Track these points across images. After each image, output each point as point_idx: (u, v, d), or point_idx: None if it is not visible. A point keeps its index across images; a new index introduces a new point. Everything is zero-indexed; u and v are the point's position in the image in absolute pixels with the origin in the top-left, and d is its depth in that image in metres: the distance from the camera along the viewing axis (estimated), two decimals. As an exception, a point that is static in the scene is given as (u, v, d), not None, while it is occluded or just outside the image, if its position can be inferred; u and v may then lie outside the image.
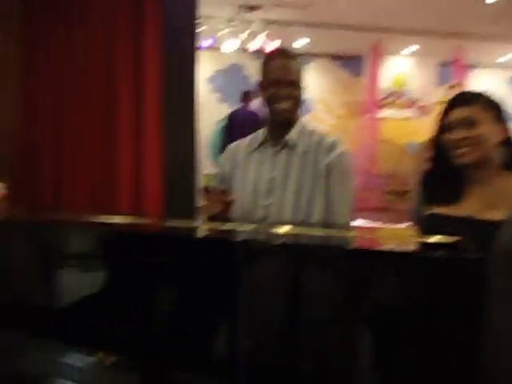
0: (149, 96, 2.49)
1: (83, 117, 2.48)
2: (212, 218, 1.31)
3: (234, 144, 1.58)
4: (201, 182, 3.03)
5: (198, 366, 0.91)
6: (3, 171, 2.28)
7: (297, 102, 1.41)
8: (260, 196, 1.42)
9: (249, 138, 1.54)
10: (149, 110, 2.48)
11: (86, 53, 2.55)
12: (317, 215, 1.37)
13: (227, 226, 1.17)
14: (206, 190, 1.33)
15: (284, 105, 1.38)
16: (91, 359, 1.00)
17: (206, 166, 4.17)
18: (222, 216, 1.28)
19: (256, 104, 4.97)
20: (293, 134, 1.43)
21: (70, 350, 1.04)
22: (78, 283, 1.10)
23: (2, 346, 1.16)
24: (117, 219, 1.21)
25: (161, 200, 2.61)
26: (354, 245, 1.01)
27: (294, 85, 1.39)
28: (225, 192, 1.33)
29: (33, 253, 1.21)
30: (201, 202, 1.35)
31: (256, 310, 0.87)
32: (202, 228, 1.27)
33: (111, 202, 2.40)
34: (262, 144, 1.47)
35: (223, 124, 5.82)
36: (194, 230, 1.18)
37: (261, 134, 1.49)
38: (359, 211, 2.34)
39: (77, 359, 1.01)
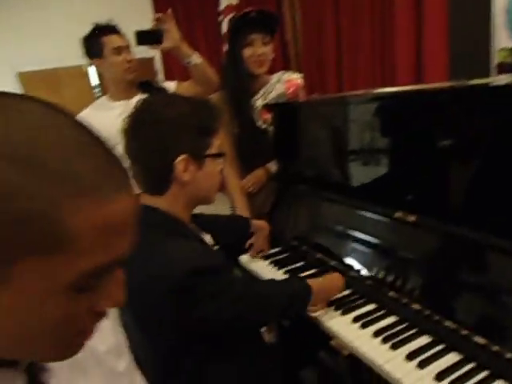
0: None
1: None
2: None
3: None
4: (495, 58, 2.53)
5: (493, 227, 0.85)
6: (297, 68, 2.64)
7: None
8: None
9: None
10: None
11: None
12: None
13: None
14: None
15: None
16: (393, 216, 1.08)
17: (502, 38, 3.41)
18: None
19: None
20: None
21: (375, 208, 1.14)
22: (374, 150, 1.18)
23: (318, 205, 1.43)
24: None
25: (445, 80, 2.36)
26: None
27: None
28: None
29: (332, 125, 1.37)
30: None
31: None
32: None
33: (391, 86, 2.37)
34: None
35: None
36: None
37: None
38: None
39: (381, 216, 1.12)
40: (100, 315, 0.37)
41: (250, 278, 1.07)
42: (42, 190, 0.28)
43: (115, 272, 0.36)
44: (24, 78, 4.78)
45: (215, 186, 0.94)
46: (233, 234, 1.32)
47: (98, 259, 0.31)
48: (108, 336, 0.55)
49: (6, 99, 0.31)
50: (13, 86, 4.80)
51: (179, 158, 0.83)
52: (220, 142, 0.91)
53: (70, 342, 0.36)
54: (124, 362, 0.57)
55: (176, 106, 0.85)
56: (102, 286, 0.34)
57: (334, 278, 1.12)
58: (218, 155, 0.91)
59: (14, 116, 0.29)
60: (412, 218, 1.02)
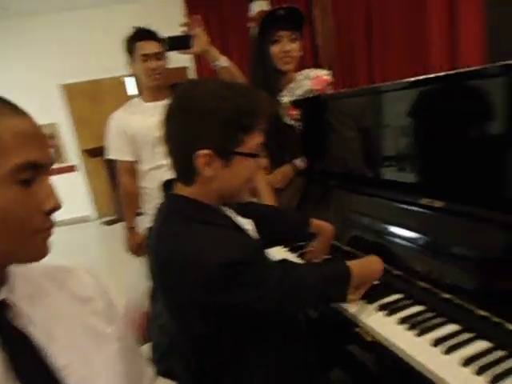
0: None
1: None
2: None
3: None
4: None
5: None
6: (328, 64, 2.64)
7: None
8: None
9: None
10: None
11: None
12: None
13: None
14: None
15: None
16: (421, 203, 1.05)
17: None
18: None
19: None
20: None
21: (402, 197, 1.11)
22: (402, 139, 1.16)
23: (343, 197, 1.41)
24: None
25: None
26: None
27: None
28: None
29: (360, 116, 1.36)
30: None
31: None
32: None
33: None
34: None
35: None
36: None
37: None
38: None
39: (408, 205, 1.09)
40: (48, 215, 0.50)
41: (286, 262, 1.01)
42: None
43: (45, 178, 0.51)
44: (67, 89, 5.08)
45: (241, 186, 0.87)
46: (284, 227, 1.19)
47: (24, 156, 0.48)
48: (97, 300, 0.64)
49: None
50: (56, 96, 5.10)
51: (200, 152, 0.79)
52: (256, 142, 0.83)
53: (32, 239, 0.49)
54: (115, 327, 0.64)
55: (214, 96, 0.79)
56: (38, 187, 0.50)
57: (374, 261, 1.02)
58: (249, 155, 0.83)
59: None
60: (440, 204, 0.99)
